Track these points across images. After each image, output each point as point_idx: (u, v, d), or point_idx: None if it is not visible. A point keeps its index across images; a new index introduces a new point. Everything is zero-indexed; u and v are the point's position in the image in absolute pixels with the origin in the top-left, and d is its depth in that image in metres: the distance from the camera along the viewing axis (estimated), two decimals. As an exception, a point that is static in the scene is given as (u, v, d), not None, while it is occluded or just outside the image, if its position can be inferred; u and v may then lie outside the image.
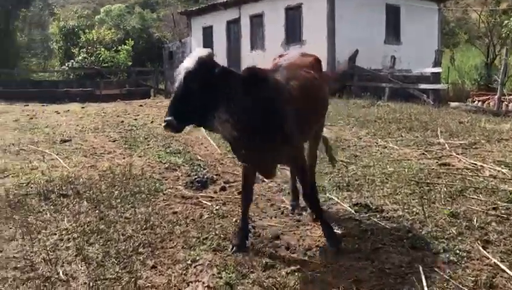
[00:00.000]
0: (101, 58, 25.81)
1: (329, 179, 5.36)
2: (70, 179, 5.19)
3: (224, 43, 21.01)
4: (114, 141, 7.32)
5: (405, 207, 4.37)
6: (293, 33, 17.73)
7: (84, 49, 25.94)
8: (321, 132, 4.48)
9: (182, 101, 3.02)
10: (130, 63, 26.39)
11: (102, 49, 25.88)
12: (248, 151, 3.34)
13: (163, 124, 2.97)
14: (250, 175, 3.70)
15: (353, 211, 4.35)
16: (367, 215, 4.27)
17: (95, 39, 26.48)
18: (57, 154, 6.42)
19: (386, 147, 7.33)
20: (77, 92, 21.79)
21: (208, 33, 22.10)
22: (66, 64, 25.70)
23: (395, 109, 11.30)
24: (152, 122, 9.54)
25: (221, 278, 3.03)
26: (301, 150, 3.75)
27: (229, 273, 3.07)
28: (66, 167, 5.77)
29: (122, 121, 9.67)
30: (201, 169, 5.97)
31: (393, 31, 18.06)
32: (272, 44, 18.32)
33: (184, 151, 6.80)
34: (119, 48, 26.40)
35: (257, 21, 19.20)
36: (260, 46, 19.09)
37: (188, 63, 3.06)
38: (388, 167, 5.92)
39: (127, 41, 26.78)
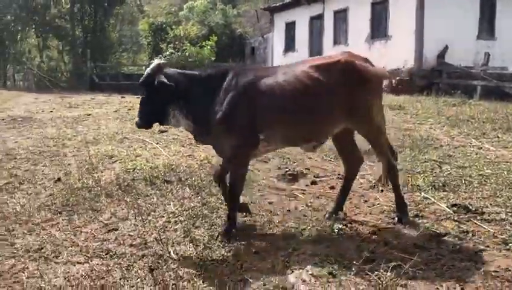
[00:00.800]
0: (187, 54, 26.85)
1: (423, 179, 5.27)
2: (172, 167, 5.55)
3: (307, 39, 21.02)
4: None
5: (508, 210, 4.22)
6: (378, 28, 17.34)
7: (172, 45, 27.09)
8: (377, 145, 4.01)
9: (143, 104, 3.85)
10: (213, 58, 27.22)
11: (188, 44, 26.87)
12: (201, 139, 3.99)
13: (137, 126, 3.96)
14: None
15: (451, 212, 4.27)
16: (466, 216, 4.18)
17: (182, 35, 27.57)
18: (156, 143, 6.86)
19: (481, 148, 7.05)
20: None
21: (290, 28, 22.23)
22: (154, 59, 26.99)
23: (489, 108, 10.71)
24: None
25: (323, 267, 3.15)
26: (241, 153, 3.80)
27: (332, 264, 3.18)
28: (166, 156, 6.17)
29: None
30: (291, 163, 6.11)
31: (487, 26, 17.03)
32: (356, 39, 18.07)
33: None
34: (204, 43, 27.29)
35: (341, 16, 19.01)
36: (343, 41, 18.88)
37: (145, 73, 3.81)
38: (485, 168, 5.71)
39: (210, 37, 27.58)
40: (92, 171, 5.60)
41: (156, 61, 3.95)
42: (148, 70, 3.80)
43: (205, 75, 3.91)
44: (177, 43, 27.17)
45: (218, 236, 3.75)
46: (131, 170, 5.62)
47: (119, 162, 5.96)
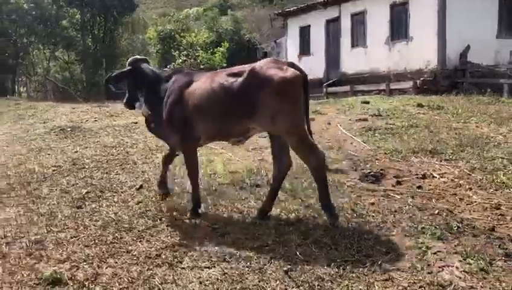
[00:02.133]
0: (198, 60, 26.96)
1: (504, 175, 5.32)
2: (253, 171, 5.59)
3: (323, 42, 21.10)
4: (264, 137, 7.67)
5: None
6: (398, 29, 17.44)
7: (185, 52, 27.19)
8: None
9: (127, 89, 4.94)
10: (224, 65, 27.32)
11: (200, 51, 26.99)
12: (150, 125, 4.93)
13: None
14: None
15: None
16: None
17: (194, 42, 27.69)
18: (221, 148, 6.90)
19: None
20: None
21: (305, 32, 22.32)
22: (168, 66, 27.07)
23: (525, 106, 10.80)
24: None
25: (469, 264, 3.18)
26: (185, 145, 4.60)
27: (477, 260, 3.21)
28: (238, 160, 6.19)
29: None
30: (364, 164, 6.15)
31: (506, 25, 17.15)
32: (375, 41, 18.16)
33: (336, 147, 7.02)
34: (215, 50, 27.41)
35: (358, 19, 19.10)
36: (361, 43, 18.97)
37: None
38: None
39: (222, 44, 27.71)
40: (174, 177, 5.63)
41: (135, 56, 5.22)
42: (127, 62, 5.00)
43: (162, 75, 4.93)
44: (190, 50, 27.29)
45: (188, 215, 4.56)
46: (211, 175, 5.66)
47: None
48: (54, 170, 6.62)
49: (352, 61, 19.39)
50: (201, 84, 4.39)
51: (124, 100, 5.03)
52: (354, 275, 3.27)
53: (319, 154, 4.12)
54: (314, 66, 21.28)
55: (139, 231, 4.34)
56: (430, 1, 15.94)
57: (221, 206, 4.71)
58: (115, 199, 5.26)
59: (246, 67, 4.25)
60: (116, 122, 9.51)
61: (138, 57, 5.17)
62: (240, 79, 4.17)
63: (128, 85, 4.93)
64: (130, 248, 4.02)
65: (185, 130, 4.47)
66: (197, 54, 26.91)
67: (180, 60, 27.23)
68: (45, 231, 4.36)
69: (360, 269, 3.31)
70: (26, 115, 11.12)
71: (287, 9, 23.31)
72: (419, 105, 10.62)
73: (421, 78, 15.84)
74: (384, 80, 17.27)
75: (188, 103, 4.40)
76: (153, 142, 7.47)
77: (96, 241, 4.10)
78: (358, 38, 19.26)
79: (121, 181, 5.89)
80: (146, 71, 4.87)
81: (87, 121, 9.99)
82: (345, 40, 19.85)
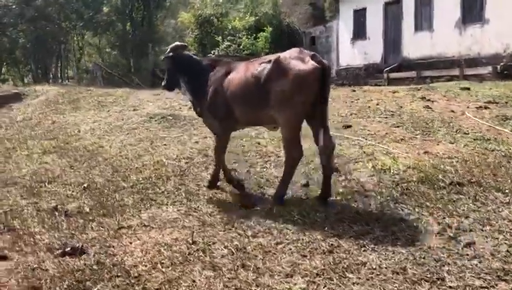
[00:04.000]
0: (241, 46, 26.24)
1: None
2: (437, 167, 4.92)
3: (381, 26, 20.16)
4: (397, 127, 6.99)
5: None
6: (471, 11, 16.45)
7: (228, 37, 26.48)
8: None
9: (166, 73, 5.28)
10: (267, 50, 26.53)
11: (243, 36, 26.25)
12: (197, 110, 5.18)
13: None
14: None
15: None
16: None
17: (237, 27, 26.94)
18: (365, 139, 6.23)
19: None
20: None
21: (359, 16, 21.37)
22: (212, 52, 26.41)
23: None
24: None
25: None
26: (222, 128, 4.92)
27: None
28: (400, 153, 5.53)
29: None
30: None
31: None
32: (443, 24, 17.18)
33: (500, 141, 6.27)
34: (258, 35, 26.64)
35: (423, 1, 18.11)
36: (427, 27, 18.00)
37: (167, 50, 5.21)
38: None
39: (265, 28, 26.92)
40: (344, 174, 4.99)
41: (176, 43, 5.38)
42: (168, 48, 5.21)
43: (204, 63, 5.16)
44: (237, 35, 26.55)
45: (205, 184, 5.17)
46: (384, 171, 5.01)
47: (358, 162, 5.33)
48: (186, 163, 6.03)
49: (415, 46, 18.45)
50: (238, 73, 4.67)
51: (163, 83, 5.32)
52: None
53: (299, 151, 4.38)
54: (371, 51, 20.46)
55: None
56: (511, -21, 14.91)
57: (432, 209, 4.03)
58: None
59: (273, 57, 4.48)
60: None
61: (179, 43, 5.36)
62: (267, 69, 4.38)
63: (169, 70, 5.21)
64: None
65: (224, 116, 4.77)
66: (239, 40, 26.25)
67: (224, 46, 26.62)
68: (244, 239, 3.78)
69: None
70: (107, 102, 10.54)
71: (340, -8, 22.34)
72: (529, 91, 9.80)
73: (501, 63, 14.91)
74: (453, 65, 16.38)
75: (227, 91, 4.69)
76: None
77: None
78: (423, 21, 18.28)
79: (275, 176, 5.26)
80: (188, 59, 5.19)
81: (180, 108, 9.37)
82: (407, 23, 18.88)
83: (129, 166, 6.09)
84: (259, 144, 6.40)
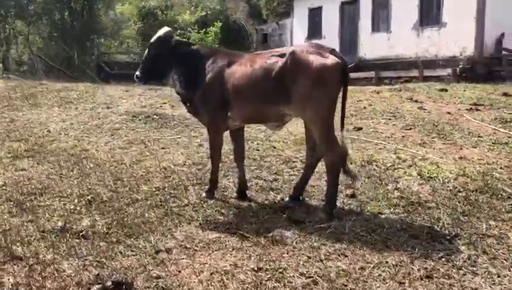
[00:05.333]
0: (190, 40, 25.36)
1: None
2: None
3: (337, 25, 20.27)
4: (409, 129, 6.72)
5: None
6: (429, 14, 16.88)
7: (178, 31, 25.43)
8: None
9: (146, 62, 4.49)
10: (217, 46, 25.85)
11: (193, 31, 25.38)
12: (186, 104, 4.64)
13: (135, 78, 4.50)
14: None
15: None
16: None
17: (188, 20, 26.01)
18: (385, 142, 5.89)
19: None
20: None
21: (315, 14, 21.35)
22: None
23: None
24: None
25: None
26: (213, 124, 4.48)
27: None
28: (454, 159, 5.23)
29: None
30: None
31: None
32: (400, 26, 17.54)
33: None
34: (208, 30, 25.91)
35: (382, 2, 18.36)
36: (384, 28, 18.29)
37: (152, 38, 4.51)
38: None
39: (215, 23, 26.24)
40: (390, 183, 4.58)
41: (167, 28, 4.58)
42: (160, 33, 4.49)
43: (201, 52, 4.53)
44: (187, 29, 25.57)
45: (203, 195, 4.55)
46: (433, 179, 4.67)
47: (398, 169, 4.96)
48: (199, 169, 5.36)
49: (372, 47, 18.69)
50: (242, 65, 4.26)
51: (137, 74, 4.49)
52: None
53: (338, 151, 4.01)
54: (326, 50, 20.47)
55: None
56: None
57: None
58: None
59: (286, 50, 4.15)
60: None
61: (170, 29, 4.65)
62: (280, 62, 4.04)
63: (156, 60, 4.47)
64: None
65: (218, 111, 4.34)
66: (189, 34, 25.34)
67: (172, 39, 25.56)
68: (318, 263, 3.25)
69: None
70: (71, 98, 9.39)
71: (295, -11, 22.15)
72: (505, 94, 10.03)
73: (460, 66, 15.41)
74: (411, 66, 16.74)
75: (227, 83, 4.26)
76: (295, 134, 6.32)
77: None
78: (380, 23, 18.57)
79: (309, 184, 4.75)
80: (190, 47, 4.63)
81: (161, 106, 8.53)
82: (364, 23, 19.10)
83: (131, 173, 5.30)
84: (274, 148, 5.86)
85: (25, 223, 4.13)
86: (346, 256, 3.41)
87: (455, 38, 15.85)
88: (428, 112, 7.93)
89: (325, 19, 20.87)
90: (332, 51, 4.07)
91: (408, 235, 3.67)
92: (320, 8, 21.02)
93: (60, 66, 20.49)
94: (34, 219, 4.22)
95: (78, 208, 4.42)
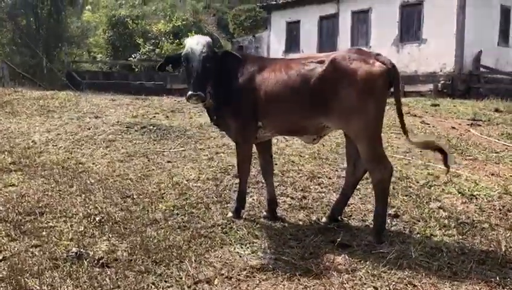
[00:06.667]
0: (163, 51, 24.78)
1: None
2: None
3: (315, 40, 20.22)
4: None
5: None
6: (409, 31, 17.05)
7: (152, 41, 24.85)
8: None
9: (202, 78, 3.69)
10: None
11: (166, 42, 24.86)
12: (212, 117, 4.16)
13: (195, 98, 3.63)
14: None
15: None
16: None
17: (161, 30, 25.44)
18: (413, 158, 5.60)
19: None
20: (150, 85, 20.87)
21: (292, 28, 21.23)
22: (133, 56, 24.50)
23: None
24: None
25: None
26: (243, 135, 4.00)
27: None
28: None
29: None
30: None
31: (503, 34, 17.54)
32: (380, 42, 17.61)
33: None
34: (181, 40, 25.42)
35: (361, 17, 18.45)
36: (363, 43, 18.30)
37: (200, 46, 3.73)
38: None
39: (189, 34, 25.76)
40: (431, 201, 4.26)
41: (206, 38, 3.89)
42: (199, 46, 3.75)
43: (228, 57, 3.95)
44: (162, 39, 24.97)
45: (230, 215, 4.10)
46: (475, 197, 4.38)
47: (434, 187, 4.65)
48: (216, 185, 4.88)
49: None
50: (276, 71, 3.87)
51: (192, 92, 3.63)
52: None
53: (387, 168, 3.64)
54: (305, 64, 20.39)
55: None
56: (448, 2, 15.66)
57: None
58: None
59: (325, 56, 3.78)
60: (198, 120, 7.65)
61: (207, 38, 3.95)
62: (319, 69, 3.69)
63: (204, 72, 3.73)
64: None
65: (247, 120, 3.93)
66: (160, 44, 24.83)
67: (146, 49, 24.92)
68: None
69: None
70: (53, 106, 8.63)
71: (272, 2, 22.01)
72: (497, 110, 10.07)
73: (441, 81, 15.56)
74: (390, 82, 16.81)
75: (259, 90, 3.87)
76: (308, 147, 5.94)
77: None
78: (359, 38, 18.63)
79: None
80: (230, 56, 3.99)
81: (155, 117, 7.96)
82: (343, 38, 19.12)
83: (141, 190, 4.76)
84: (293, 162, 5.45)
85: (29, 249, 3.55)
86: (415, 286, 3.04)
87: (435, 54, 16.05)
88: (433, 126, 7.74)
89: (303, 33, 20.80)
90: (377, 56, 3.71)
91: (472, 260, 3.33)
92: (298, 22, 20.94)
93: (27, 73, 19.38)
94: (39, 243, 3.65)
95: (90, 231, 3.86)
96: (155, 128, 6.95)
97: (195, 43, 3.78)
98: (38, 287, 2.97)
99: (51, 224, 3.99)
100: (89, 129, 7.03)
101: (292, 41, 21.32)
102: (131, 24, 27.79)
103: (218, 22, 36.33)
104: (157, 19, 29.21)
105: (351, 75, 3.60)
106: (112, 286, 3.03)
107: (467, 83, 15.72)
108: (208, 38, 3.88)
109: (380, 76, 3.58)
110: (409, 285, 3.04)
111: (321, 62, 3.76)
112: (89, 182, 4.99)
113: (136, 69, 24.45)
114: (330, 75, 3.66)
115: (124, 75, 22.52)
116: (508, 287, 2.99)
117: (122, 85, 20.25)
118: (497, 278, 3.07)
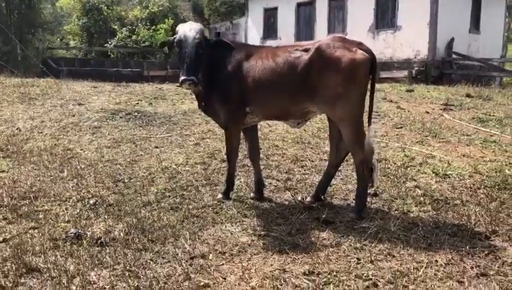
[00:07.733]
0: (139, 38, 24.58)
1: None
2: None
3: (293, 26, 20.38)
4: (400, 128, 6.78)
5: None
6: (384, 18, 17.38)
7: (128, 27, 24.56)
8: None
9: (194, 63, 3.81)
10: (168, 43, 25.21)
11: (142, 27, 24.61)
12: (201, 103, 4.28)
13: (188, 82, 3.74)
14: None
15: None
16: None
17: (137, 16, 25.14)
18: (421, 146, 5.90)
19: None
20: (127, 72, 20.73)
21: (270, 15, 21.34)
22: (109, 42, 24.19)
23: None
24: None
25: None
26: (232, 120, 4.17)
27: None
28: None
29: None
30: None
31: (475, 21, 18.05)
32: (356, 29, 17.88)
33: None
34: (158, 26, 25.25)
35: (337, 4, 18.69)
36: (340, 30, 18.59)
37: (193, 33, 3.85)
38: None
39: (166, 20, 25.62)
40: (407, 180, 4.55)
41: (198, 25, 4.03)
42: (192, 32, 3.86)
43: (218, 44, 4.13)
44: (138, 25, 24.68)
45: (219, 197, 4.31)
46: (448, 176, 4.70)
47: (410, 167, 4.96)
48: (204, 169, 5.08)
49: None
50: (263, 58, 4.03)
51: (184, 77, 3.76)
52: None
53: (368, 149, 3.89)
54: (282, 51, 20.55)
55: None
56: (422, -9, 16.03)
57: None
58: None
59: (311, 44, 3.96)
60: (182, 107, 7.79)
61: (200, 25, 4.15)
62: (305, 56, 3.88)
63: (198, 56, 3.87)
64: None
65: (236, 106, 4.09)
66: (136, 31, 24.59)
67: (123, 36, 24.64)
68: (369, 264, 3.12)
69: None
70: (34, 94, 8.62)
71: (250, -11, 22.02)
72: (468, 95, 10.49)
73: (415, 68, 15.99)
74: (366, 68, 17.16)
75: (247, 78, 4.02)
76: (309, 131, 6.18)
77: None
78: (336, 24, 18.89)
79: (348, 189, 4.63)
80: (223, 43, 4.18)
81: (138, 103, 8.06)
82: (320, 25, 19.35)
83: (131, 174, 4.91)
84: (277, 146, 5.68)
85: (28, 231, 3.69)
86: (394, 256, 3.31)
87: (410, 41, 16.45)
88: (408, 111, 8.07)
89: (280, 20, 20.93)
90: (359, 45, 3.93)
91: (445, 233, 3.63)
92: (275, 8, 21.04)
93: (1, 60, 19.01)
94: (37, 225, 3.79)
95: (85, 213, 4.02)
96: (140, 114, 7.08)
97: (188, 30, 3.90)
98: (43, 265, 3.13)
99: (46, 207, 4.13)
100: (74, 116, 7.10)
101: (270, 27, 21.44)
102: (106, 10, 27.39)
103: (193, 8, 36.18)
104: (133, 5, 28.92)
105: (336, 62, 3.79)
106: (112, 263, 3.21)
107: (440, 69, 16.19)
108: (200, 25, 4.03)
109: (363, 64, 3.80)
110: (388, 256, 3.31)
111: (306, 50, 3.94)
112: (79, 167, 5.12)
113: (112, 56, 24.15)
114: (316, 63, 3.84)
115: (101, 62, 22.23)
116: (476, 256, 3.29)
117: (99, 72, 20.08)
118: (467, 248, 3.37)
